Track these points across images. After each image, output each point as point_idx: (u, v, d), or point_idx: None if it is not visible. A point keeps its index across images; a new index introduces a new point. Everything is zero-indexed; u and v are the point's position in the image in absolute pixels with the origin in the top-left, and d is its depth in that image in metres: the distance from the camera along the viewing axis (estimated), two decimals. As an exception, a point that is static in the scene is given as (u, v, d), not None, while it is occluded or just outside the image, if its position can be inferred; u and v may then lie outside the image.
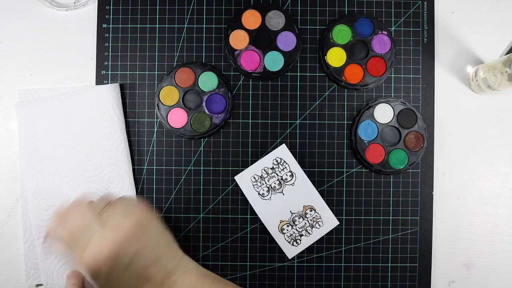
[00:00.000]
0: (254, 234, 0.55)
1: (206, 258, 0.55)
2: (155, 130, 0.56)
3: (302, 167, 0.54)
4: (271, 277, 0.52)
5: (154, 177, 0.55)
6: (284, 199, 0.54)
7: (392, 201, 0.55)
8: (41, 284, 0.54)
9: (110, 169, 0.54)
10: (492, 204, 0.55)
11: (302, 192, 0.54)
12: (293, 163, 0.54)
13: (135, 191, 0.55)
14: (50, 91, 0.55)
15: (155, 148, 0.55)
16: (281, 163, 0.54)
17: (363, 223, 0.55)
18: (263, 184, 0.54)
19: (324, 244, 0.55)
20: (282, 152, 0.54)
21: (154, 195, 0.55)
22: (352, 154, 0.55)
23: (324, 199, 0.54)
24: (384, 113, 0.55)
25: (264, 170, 0.54)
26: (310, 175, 0.54)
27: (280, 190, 0.54)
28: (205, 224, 0.55)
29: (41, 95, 0.55)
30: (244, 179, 0.54)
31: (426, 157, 0.55)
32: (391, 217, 0.55)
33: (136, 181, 0.55)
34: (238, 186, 0.55)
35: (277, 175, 0.54)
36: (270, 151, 0.55)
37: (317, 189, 0.54)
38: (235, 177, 0.54)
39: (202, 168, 0.55)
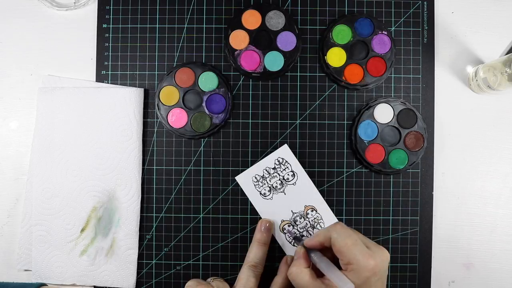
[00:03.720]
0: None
1: (206, 258, 0.55)
2: (155, 130, 0.56)
3: (302, 167, 0.54)
4: (271, 277, 0.52)
5: (154, 177, 0.55)
6: (286, 198, 0.54)
7: (392, 201, 0.55)
8: (30, 270, 0.54)
9: (119, 172, 0.54)
10: (492, 204, 0.55)
11: (304, 192, 0.54)
12: (295, 163, 0.54)
13: (140, 197, 0.54)
14: (75, 82, 0.55)
15: (155, 148, 0.55)
16: (283, 163, 0.54)
17: (363, 223, 0.55)
18: (264, 184, 0.54)
19: (324, 244, 0.55)
20: (284, 152, 0.54)
21: (154, 195, 0.55)
22: (352, 154, 0.55)
23: (324, 199, 0.54)
24: (384, 113, 0.55)
25: (266, 170, 0.54)
26: (310, 175, 0.54)
27: (281, 190, 0.54)
28: (205, 224, 0.55)
29: (64, 84, 0.55)
30: (246, 179, 0.54)
31: (426, 157, 0.55)
32: (391, 217, 0.55)
33: (136, 181, 0.55)
34: (238, 186, 0.55)
35: (279, 175, 0.54)
36: (270, 151, 0.55)
37: (317, 189, 0.54)
38: (236, 177, 0.54)
39: (202, 168, 0.55)
